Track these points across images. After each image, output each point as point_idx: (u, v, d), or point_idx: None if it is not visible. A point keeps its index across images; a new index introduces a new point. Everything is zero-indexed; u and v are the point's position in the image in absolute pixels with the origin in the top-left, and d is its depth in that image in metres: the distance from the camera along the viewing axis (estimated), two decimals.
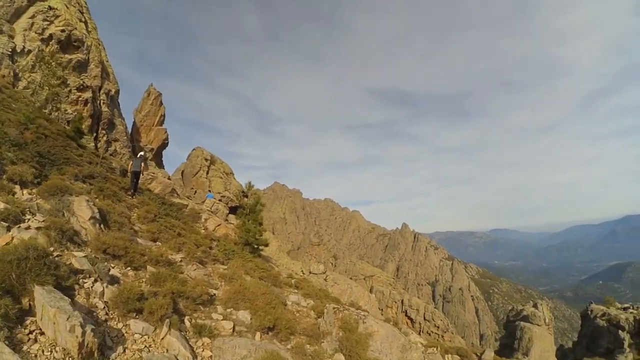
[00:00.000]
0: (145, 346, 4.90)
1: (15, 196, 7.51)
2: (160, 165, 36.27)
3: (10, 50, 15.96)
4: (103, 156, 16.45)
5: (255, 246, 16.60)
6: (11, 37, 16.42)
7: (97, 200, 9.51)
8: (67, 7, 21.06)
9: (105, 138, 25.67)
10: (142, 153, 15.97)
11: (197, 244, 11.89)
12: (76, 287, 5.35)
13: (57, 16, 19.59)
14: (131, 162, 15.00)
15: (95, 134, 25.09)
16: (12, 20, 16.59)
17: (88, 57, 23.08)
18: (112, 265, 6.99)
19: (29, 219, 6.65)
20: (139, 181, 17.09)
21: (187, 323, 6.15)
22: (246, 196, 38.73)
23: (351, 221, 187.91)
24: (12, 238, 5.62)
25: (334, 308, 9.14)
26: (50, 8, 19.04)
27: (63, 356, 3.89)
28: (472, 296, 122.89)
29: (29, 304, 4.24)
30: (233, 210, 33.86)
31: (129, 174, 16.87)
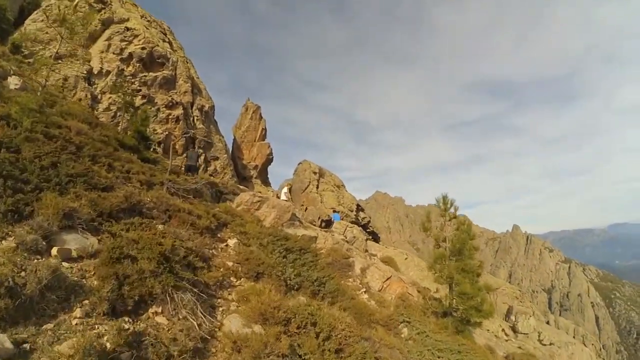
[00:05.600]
0: None
1: None
2: (266, 183, 33.58)
3: (85, 72, 15.91)
4: (174, 170, 12.59)
5: (469, 319, 11.47)
6: (87, 60, 16.47)
7: None
8: (147, 28, 21.36)
9: (203, 157, 24.19)
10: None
11: None
12: None
13: (136, 35, 19.71)
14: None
15: None
16: (87, 44, 16.73)
17: (175, 74, 22.34)
18: None
19: None
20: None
21: None
22: (362, 210, 32.29)
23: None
24: None
25: None
26: (128, 29, 19.18)
27: None
28: (592, 302, 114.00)
29: None
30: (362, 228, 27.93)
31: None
